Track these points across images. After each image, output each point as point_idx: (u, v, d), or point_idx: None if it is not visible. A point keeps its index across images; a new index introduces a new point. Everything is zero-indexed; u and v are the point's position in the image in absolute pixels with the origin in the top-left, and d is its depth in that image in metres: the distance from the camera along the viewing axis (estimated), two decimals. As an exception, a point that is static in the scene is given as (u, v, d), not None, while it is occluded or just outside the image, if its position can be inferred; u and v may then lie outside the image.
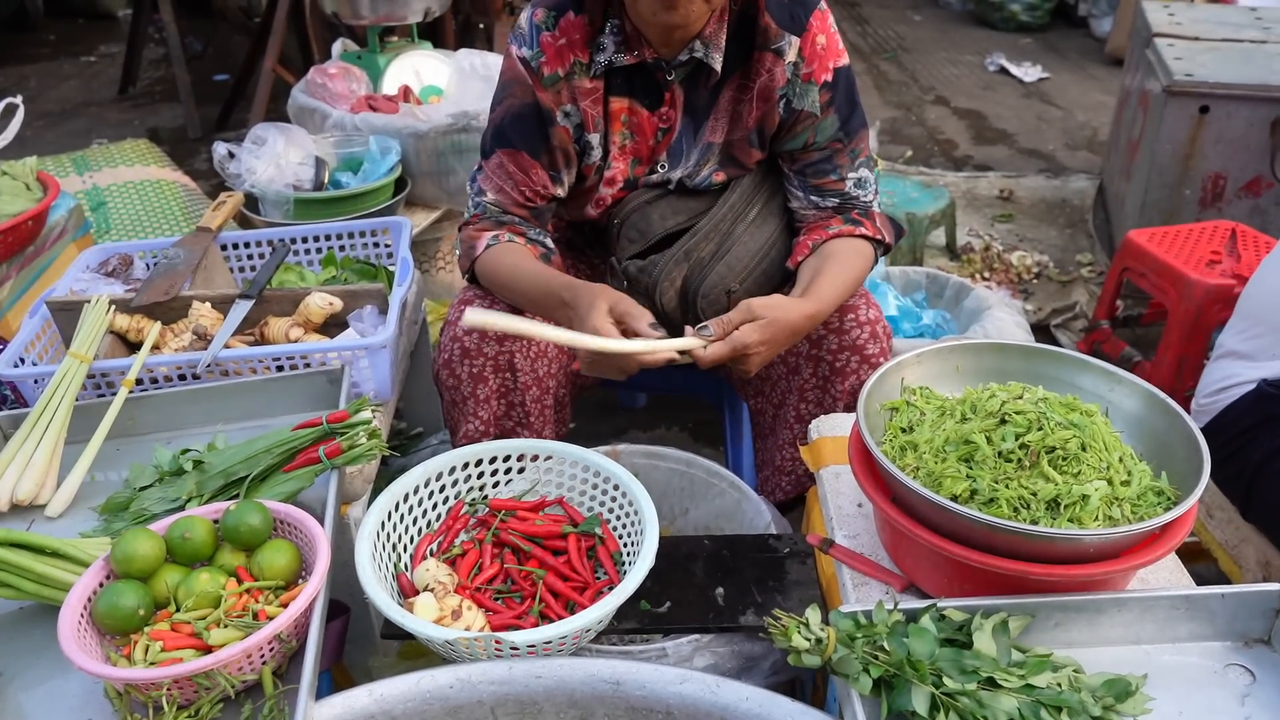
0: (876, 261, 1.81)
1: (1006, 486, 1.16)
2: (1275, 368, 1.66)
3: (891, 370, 1.39)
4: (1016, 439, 1.20)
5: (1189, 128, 3.09)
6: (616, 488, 1.47)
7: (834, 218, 1.77)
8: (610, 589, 1.29)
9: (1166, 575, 1.32)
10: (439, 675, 1.22)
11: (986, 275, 3.60)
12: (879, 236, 1.76)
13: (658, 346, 1.46)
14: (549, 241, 1.78)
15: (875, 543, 1.37)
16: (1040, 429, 1.20)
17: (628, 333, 1.48)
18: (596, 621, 1.25)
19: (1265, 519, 1.67)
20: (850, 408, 1.73)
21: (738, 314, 1.52)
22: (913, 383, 1.40)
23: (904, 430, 1.32)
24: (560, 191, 1.76)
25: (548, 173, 1.72)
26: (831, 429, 1.60)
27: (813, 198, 1.79)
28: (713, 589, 1.46)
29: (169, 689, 1.09)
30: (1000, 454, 1.19)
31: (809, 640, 1.06)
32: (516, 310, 1.67)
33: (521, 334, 1.43)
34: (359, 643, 1.69)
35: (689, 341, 1.49)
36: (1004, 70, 6.17)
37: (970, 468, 1.20)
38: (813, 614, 1.10)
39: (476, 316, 1.39)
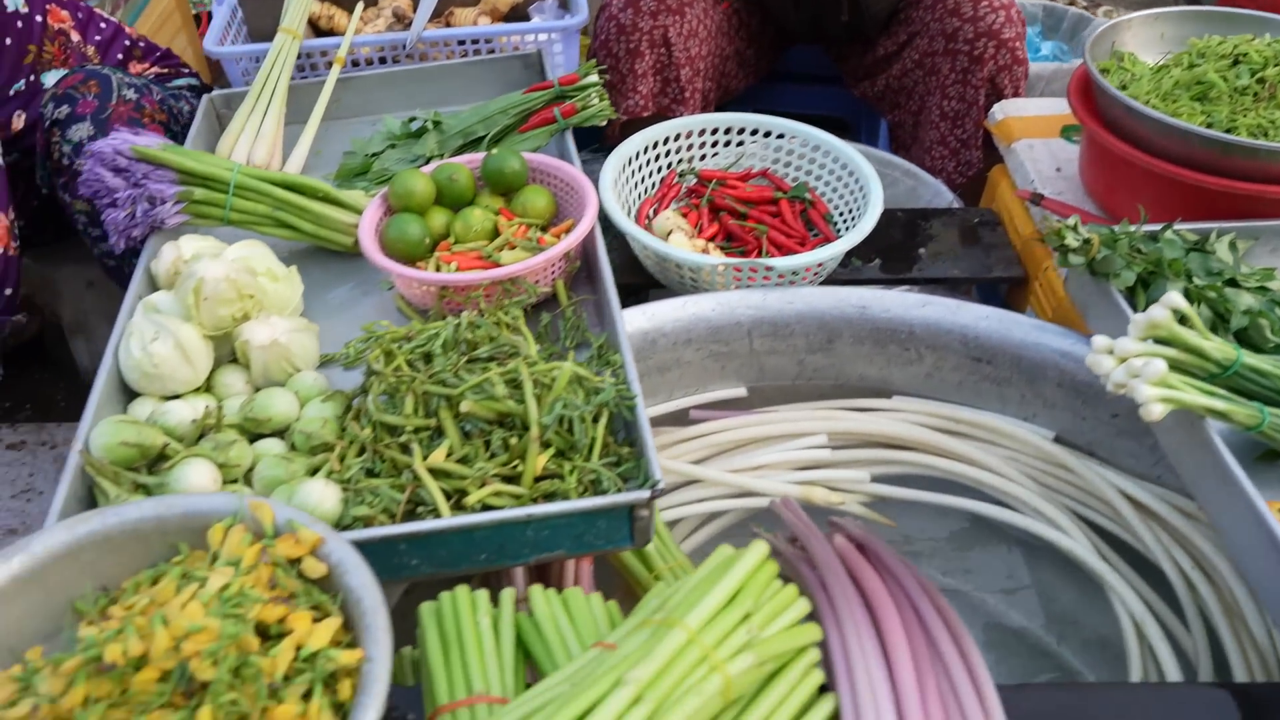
0: None
1: (1245, 117, 1.25)
2: None
3: (1100, 36, 1.45)
4: (1253, 75, 1.27)
5: None
6: (828, 154, 1.55)
7: None
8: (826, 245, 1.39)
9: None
10: (702, 300, 1.33)
11: None
12: None
13: None
14: None
15: (1077, 199, 1.47)
16: (1278, 65, 1.27)
17: None
18: (840, 254, 1.36)
19: None
20: (991, 96, 1.76)
21: None
22: (1120, 49, 1.46)
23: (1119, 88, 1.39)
24: None
25: None
26: (1017, 110, 1.67)
27: None
28: (915, 250, 1.57)
29: (485, 291, 1.20)
30: (1235, 90, 1.27)
31: (1078, 241, 1.16)
32: None
33: None
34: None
35: None
36: None
37: (1204, 105, 1.28)
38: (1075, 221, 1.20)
39: None
